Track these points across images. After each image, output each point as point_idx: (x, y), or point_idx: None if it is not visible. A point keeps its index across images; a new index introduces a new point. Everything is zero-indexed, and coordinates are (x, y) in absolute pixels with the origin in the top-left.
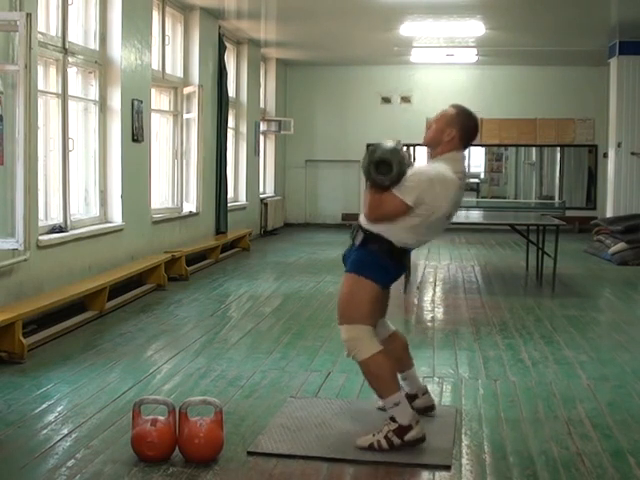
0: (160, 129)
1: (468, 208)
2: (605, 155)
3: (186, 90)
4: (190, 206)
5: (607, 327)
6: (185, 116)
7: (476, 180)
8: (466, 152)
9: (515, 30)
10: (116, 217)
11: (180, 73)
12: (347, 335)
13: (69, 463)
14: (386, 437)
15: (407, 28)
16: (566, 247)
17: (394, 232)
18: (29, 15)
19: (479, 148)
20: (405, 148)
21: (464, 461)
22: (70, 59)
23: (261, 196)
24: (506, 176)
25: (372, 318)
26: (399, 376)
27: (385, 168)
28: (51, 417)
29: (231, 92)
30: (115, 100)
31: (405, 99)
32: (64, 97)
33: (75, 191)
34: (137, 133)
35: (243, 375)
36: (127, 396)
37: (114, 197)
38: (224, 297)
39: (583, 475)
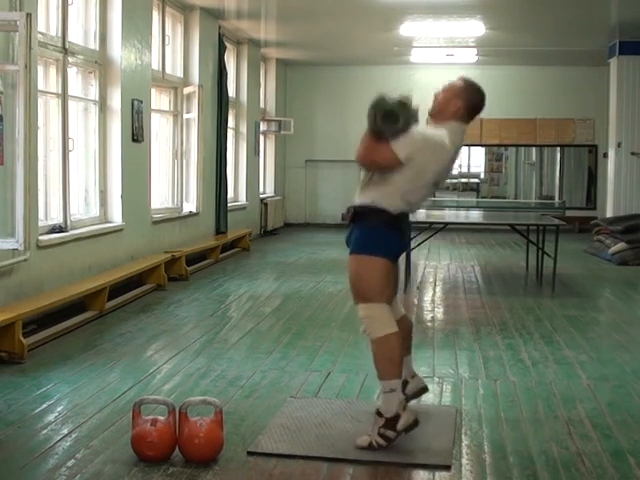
0: (160, 129)
1: (468, 208)
2: (605, 155)
3: (186, 90)
4: (190, 206)
5: (607, 327)
6: (185, 116)
7: (476, 180)
8: (468, 126)
9: (515, 30)
10: (116, 217)
11: (180, 73)
12: (363, 313)
13: (69, 463)
14: (379, 434)
15: (407, 28)
16: (566, 247)
17: (386, 199)
18: (29, 15)
19: (479, 148)
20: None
21: (464, 461)
22: (70, 59)
23: (261, 196)
24: (506, 176)
25: (385, 294)
26: None
27: (391, 119)
28: (51, 417)
29: (231, 92)
30: (115, 100)
31: None
32: (64, 97)
33: (75, 191)
34: (137, 133)
35: (243, 375)
36: (127, 396)
37: (114, 197)
38: (224, 297)
39: (583, 475)
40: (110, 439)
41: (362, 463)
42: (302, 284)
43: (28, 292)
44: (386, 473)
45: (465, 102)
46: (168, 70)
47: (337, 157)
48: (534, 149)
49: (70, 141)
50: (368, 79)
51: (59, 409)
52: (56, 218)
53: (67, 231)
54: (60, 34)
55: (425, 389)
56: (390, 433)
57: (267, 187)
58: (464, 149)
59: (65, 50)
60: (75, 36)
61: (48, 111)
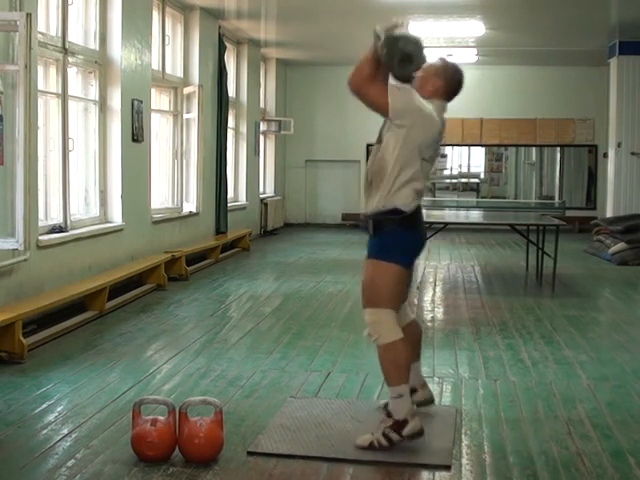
0: (160, 129)
1: (468, 208)
2: (605, 155)
3: (186, 90)
4: (190, 206)
5: (607, 327)
6: (185, 116)
7: (476, 180)
8: (449, 105)
9: (515, 30)
10: (116, 217)
11: (180, 73)
12: (370, 318)
13: (69, 463)
14: (384, 434)
15: (407, 28)
16: (566, 247)
17: (398, 198)
18: (29, 15)
19: (479, 148)
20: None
21: (464, 461)
22: (70, 59)
23: (261, 196)
24: (506, 176)
25: (395, 302)
26: None
27: (407, 62)
28: (51, 417)
29: (231, 92)
30: (115, 100)
31: None
32: (64, 97)
33: (75, 191)
34: (137, 133)
35: (243, 375)
36: (127, 396)
37: (114, 197)
38: (224, 297)
39: (583, 475)
40: (110, 439)
41: (362, 463)
42: (302, 284)
43: (28, 292)
44: (386, 473)
45: (443, 80)
46: (168, 70)
47: (337, 157)
48: (534, 149)
49: (70, 141)
50: None
51: (59, 409)
52: (56, 218)
53: (67, 231)
54: (60, 34)
55: (432, 401)
56: (394, 436)
57: (267, 187)
58: (464, 149)
59: (65, 50)
60: (75, 36)
61: (48, 111)
